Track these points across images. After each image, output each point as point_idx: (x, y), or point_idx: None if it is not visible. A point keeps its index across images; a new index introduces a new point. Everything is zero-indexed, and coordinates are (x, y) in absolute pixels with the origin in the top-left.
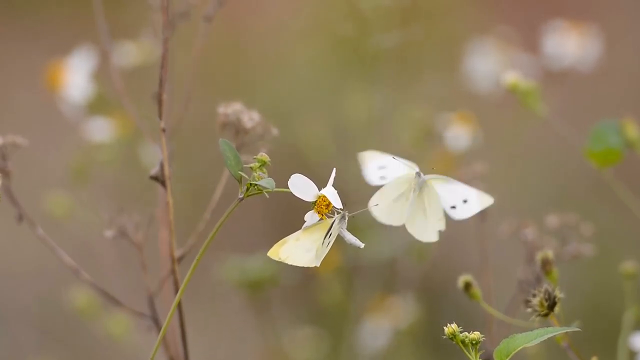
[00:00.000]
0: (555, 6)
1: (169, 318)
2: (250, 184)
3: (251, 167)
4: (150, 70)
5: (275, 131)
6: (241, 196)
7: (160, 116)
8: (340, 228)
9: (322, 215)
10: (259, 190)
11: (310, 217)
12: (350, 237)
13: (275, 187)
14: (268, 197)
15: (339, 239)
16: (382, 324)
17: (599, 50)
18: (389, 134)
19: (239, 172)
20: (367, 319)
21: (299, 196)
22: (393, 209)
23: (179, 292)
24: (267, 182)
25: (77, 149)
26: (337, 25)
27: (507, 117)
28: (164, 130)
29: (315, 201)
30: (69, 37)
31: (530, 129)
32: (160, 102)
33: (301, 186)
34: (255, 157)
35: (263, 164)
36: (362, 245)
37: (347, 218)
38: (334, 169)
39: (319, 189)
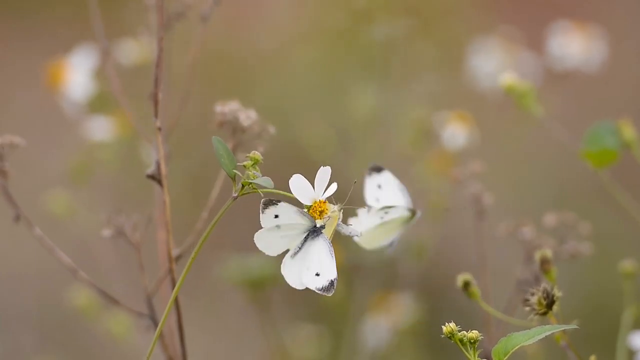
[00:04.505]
0: (555, 7)
1: (165, 315)
2: (247, 182)
3: (244, 166)
4: (150, 70)
5: (272, 129)
6: (235, 195)
7: (156, 115)
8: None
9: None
10: (254, 188)
11: None
12: (346, 229)
13: (274, 186)
14: (263, 196)
15: (338, 238)
16: (382, 323)
17: (604, 52)
18: (390, 133)
19: (233, 171)
20: (367, 319)
21: (297, 197)
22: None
23: (175, 289)
24: (264, 180)
25: (77, 149)
26: (336, 24)
27: (509, 117)
28: (160, 129)
29: (311, 205)
30: (69, 37)
31: (532, 129)
32: (156, 101)
33: (301, 187)
34: (247, 155)
35: (256, 162)
36: (360, 234)
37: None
38: (335, 184)
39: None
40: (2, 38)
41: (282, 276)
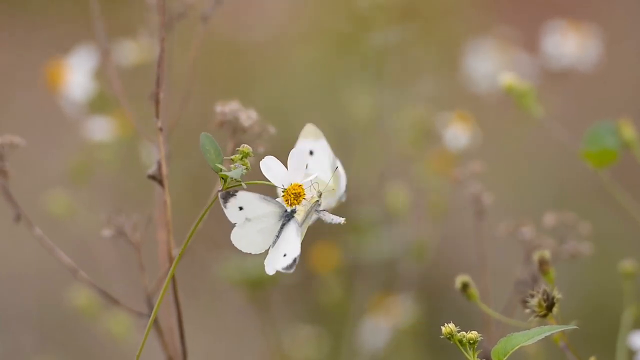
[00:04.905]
0: (555, 7)
1: (157, 305)
2: (224, 175)
3: (232, 159)
4: (151, 70)
5: (272, 129)
6: (220, 189)
7: (157, 115)
8: (315, 211)
9: (289, 205)
10: (238, 182)
11: None
12: (328, 216)
13: (242, 176)
14: (246, 187)
15: (338, 239)
16: (382, 324)
17: (599, 50)
18: (389, 133)
19: (217, 165)
20: (367, 319)
21: (269, 179)
22: None
23: (167, 278)
24: (235, 172)
25: (77, 148)
26: (336, 24)
27: (507, 118)
28: (161, 129)
29: (285, 189)
30: (69, 37)
31: (531, 129)
32: (157, 102)
33: (273, 169)
34: (237, 149)
35: (245, 155)
36: (343, 221)
37: (320, 203)
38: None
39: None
40: (2, 38)
41: (281, 276)
